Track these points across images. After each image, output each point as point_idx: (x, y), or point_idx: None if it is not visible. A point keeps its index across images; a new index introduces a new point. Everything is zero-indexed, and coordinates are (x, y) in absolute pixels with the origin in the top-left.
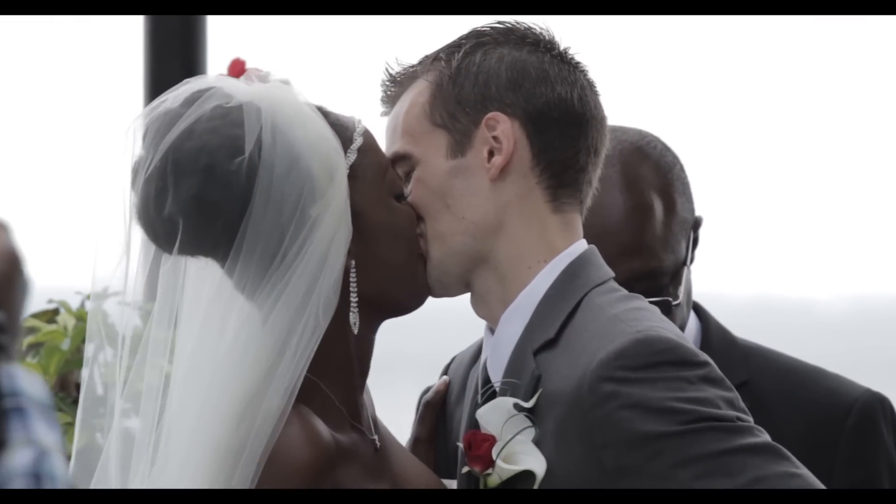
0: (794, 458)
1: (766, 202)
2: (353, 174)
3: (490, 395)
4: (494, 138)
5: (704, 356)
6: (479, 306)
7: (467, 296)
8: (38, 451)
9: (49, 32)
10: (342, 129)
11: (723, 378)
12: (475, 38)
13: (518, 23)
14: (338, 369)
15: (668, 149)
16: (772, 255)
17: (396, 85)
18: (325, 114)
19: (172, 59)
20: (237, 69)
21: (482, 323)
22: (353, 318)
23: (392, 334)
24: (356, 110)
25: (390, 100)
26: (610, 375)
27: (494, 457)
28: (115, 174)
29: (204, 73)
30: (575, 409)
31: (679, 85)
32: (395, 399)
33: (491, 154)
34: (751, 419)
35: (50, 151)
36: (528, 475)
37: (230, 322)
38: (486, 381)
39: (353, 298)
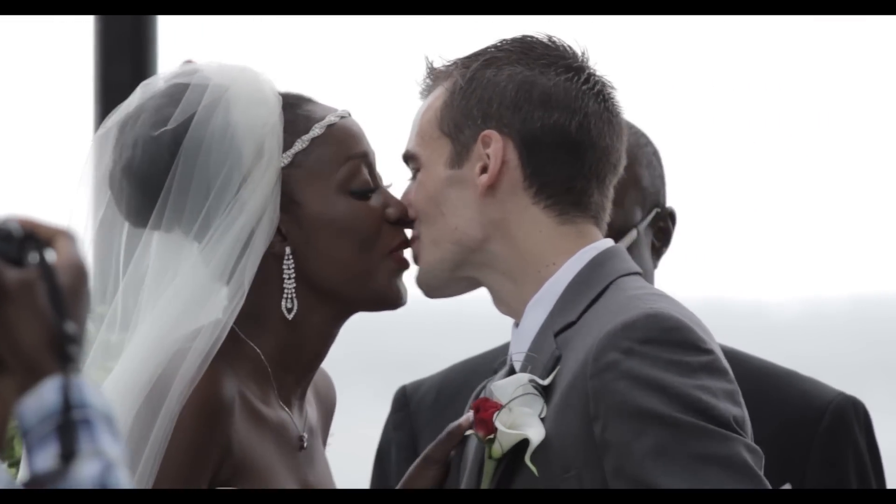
0: (766, 485)
1: (717, 205)
2: (298, 163)
3: (509, 371)
4: (487, 155)
5: (712, 345)
6: (499, 305)
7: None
8: (104, 463)
9: None
10: (304, 119)
11: (726, 370)
12: (493, 52)
13: (541, 39)
14: (280, 350)
15: (644, 135)
16: (723, 258)
17: (431, 78)
18: (296, 103)
19: (123, 60)
20: None
21: (458, 324)
22: (288, 304)
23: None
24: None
25: (425, 91)
26: (615, 345)
27: (494, 419)
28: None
29: (154, 74)
30: (579, 379)
31: (645, 84)
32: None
33: (483, 170)
34: (746, 418)
35: None
36: (525, 444)
37: (179, 271)
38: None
39: (289, 285)
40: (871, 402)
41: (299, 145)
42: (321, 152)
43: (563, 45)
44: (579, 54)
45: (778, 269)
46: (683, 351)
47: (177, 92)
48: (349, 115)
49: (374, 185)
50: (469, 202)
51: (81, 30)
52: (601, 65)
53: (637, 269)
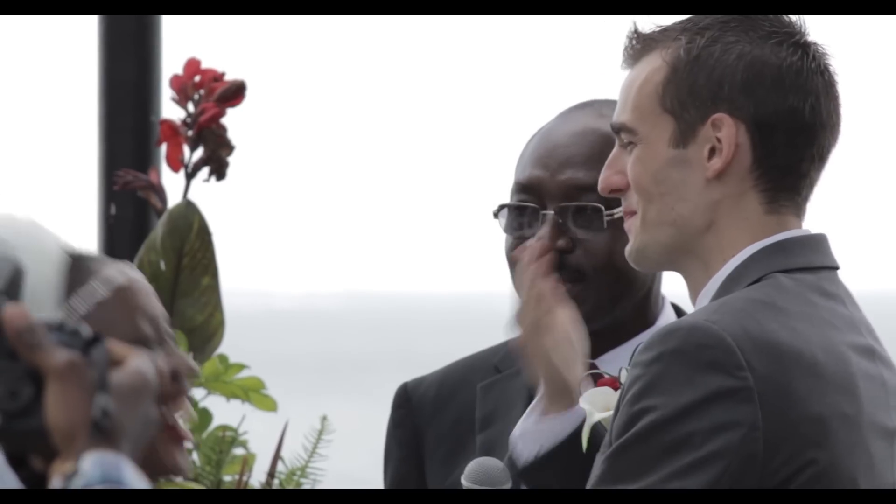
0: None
1: None
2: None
3: None
4: (717, 139)
5: (746, 373)
6: (691, 295)
7: (454, 297)
8: None
9: (1, 32)
10: (89, 278)
11: (750, 398)
12: (720, 26)
13: (765, 16)
14: None
15: None
16: None
17: (640, 43)
18: (83, 262)
19: (127, 59)
20: (192, 69)
21: (461, 321)
22: None
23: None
24: (307, 106)
25: (631, 57)
26: (651, 346)
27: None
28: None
29: (158, 74)
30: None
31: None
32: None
33: (711, 153)
34: (732, 446)
35: (3, 151)
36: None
37: None
38: None
39: None
40: None
41: (80, 306)
42: (104, 315)
43: (784, 17)
44: (798, 24)
45: None
46: (706, 370)
47: None
48: (136, 271)
49: (155, 346)
50: (692, 184)
51: (85, 29)
52: (602, 65)
53: (817, 262)
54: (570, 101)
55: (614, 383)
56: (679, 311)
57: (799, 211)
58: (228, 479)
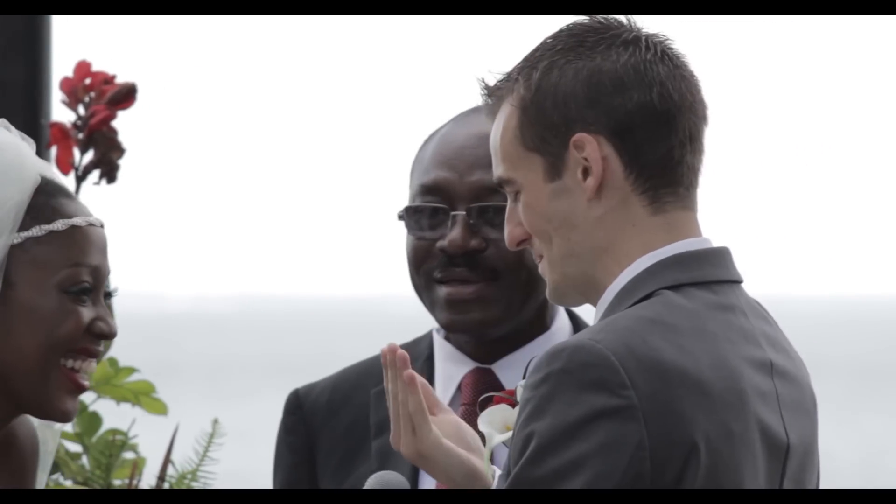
0: None
1: None
2: (27, 247)
3: None
4: (585, 159)
5: (630, 392)
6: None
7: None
8: None
9: None
10: (51, 210)
11: (633, 417)
12: (549, 57)
13: (588, 24)
14: None
15: None
16: None
17: (492, 100)
18: (53, 193)
19: (16, 61)
20: (82, 72)
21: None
22: None
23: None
24: (199, 108)
25: (490, 116)
26: (538, 367)
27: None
28: None
29: (49, 75)
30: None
31: None
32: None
33: (585, 174)
34: (616, 469)
35: None
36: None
37: None
38: None
39: None
40: None
41: (35, 231)
42: (53, 247)
43: (611, 22)
44: (626, 23)
45: None
46: (590, 390)
47: None
48: (101, 225)
49: (91, 298)
50: (578, 209)
51: None
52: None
53: (712, 276)
54: (456, 104)
55: (511, 400)
56: (573, 317)
57: (686, 202)
58: (118, 482)
